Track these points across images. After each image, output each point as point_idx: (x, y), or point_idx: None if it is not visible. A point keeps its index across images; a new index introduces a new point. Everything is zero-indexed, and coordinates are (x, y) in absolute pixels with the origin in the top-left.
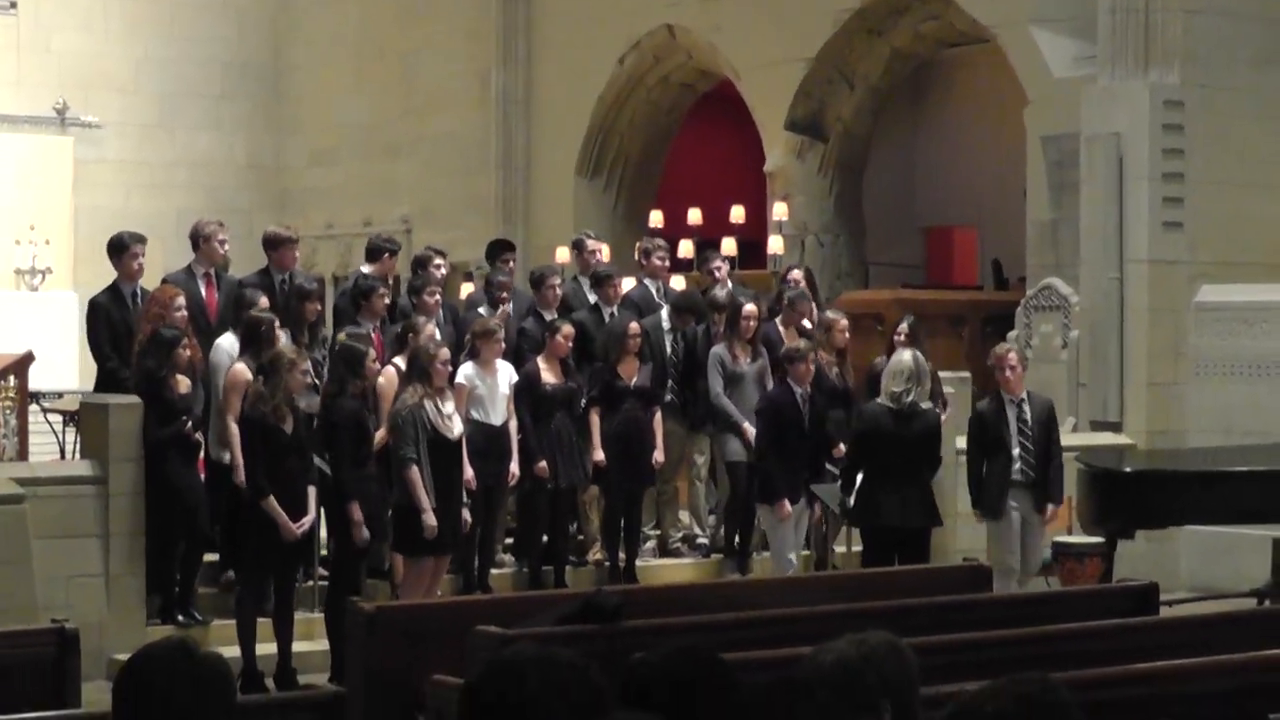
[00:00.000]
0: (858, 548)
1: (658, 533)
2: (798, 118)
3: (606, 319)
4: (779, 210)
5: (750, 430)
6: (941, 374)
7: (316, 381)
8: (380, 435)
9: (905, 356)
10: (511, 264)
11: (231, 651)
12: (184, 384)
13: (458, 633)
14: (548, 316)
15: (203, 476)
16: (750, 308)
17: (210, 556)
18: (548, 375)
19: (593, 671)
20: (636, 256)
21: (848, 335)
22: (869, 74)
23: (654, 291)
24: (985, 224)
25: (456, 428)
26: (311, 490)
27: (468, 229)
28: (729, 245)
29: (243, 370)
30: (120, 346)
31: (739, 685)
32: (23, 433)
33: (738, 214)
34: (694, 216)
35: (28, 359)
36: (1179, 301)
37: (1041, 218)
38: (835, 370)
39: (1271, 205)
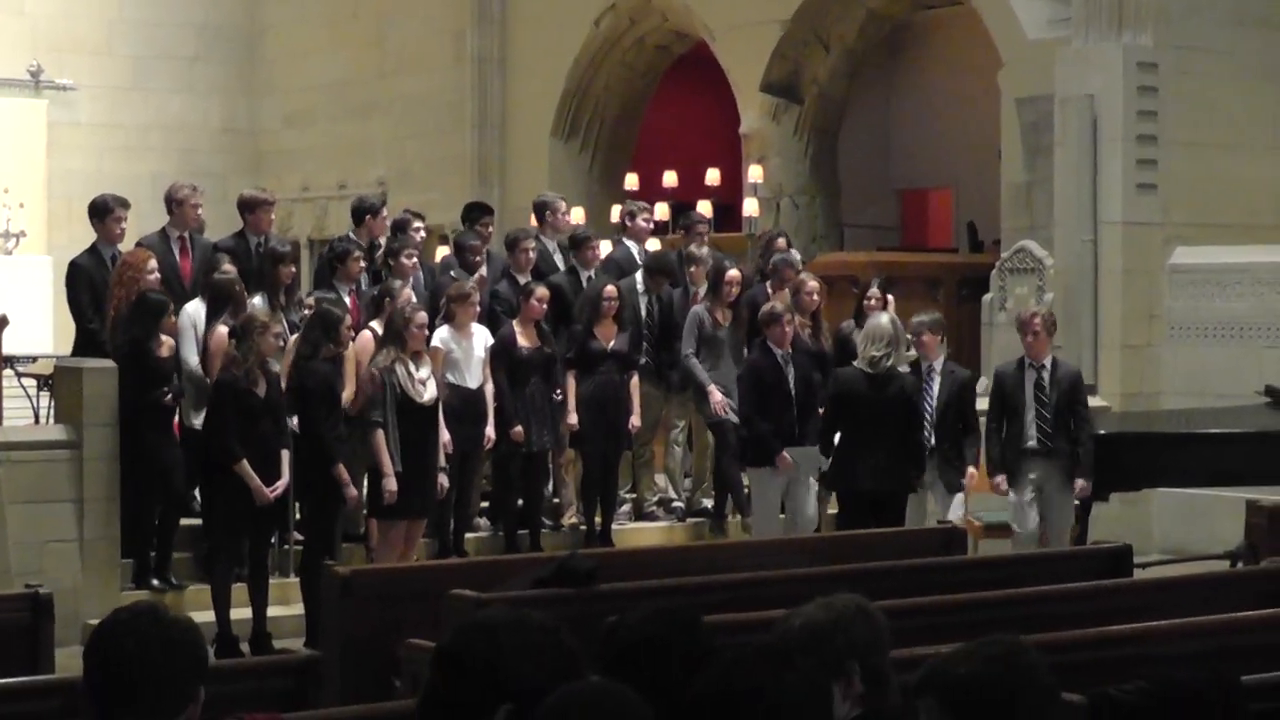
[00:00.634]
0: (833, 510)
1: (633, 496)
2: (773, 80)
3: (584, 282)
4: (754, 173)
5: (716, 393)
6: None
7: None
8: (346, 396)
9: (884, 320)
10: (490, 228)
11: (207, 616)
12: (167, 346)
13: (433, 596)
14: (521, 280)
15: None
16: (734, 272)
17: (188, 521)
18: (523, 339)
19: (564, 634)
20: (619, 219)
21: (816, 298)
22: (844, 36)
23: (635, 254)
24: (960, 186)
25: (429, 392)
26: (285, 454)
27: (443, 191)
28: (704, 208)
29: (225, 334)
30: (101, 307)
31: (716, 647)
32: None
33: (713, 177)
34: (669, 179)
35: (1, 323)
36: (1153, 264)
37: (1016, 180)
38: (808, 332)
39: (1245, 167)
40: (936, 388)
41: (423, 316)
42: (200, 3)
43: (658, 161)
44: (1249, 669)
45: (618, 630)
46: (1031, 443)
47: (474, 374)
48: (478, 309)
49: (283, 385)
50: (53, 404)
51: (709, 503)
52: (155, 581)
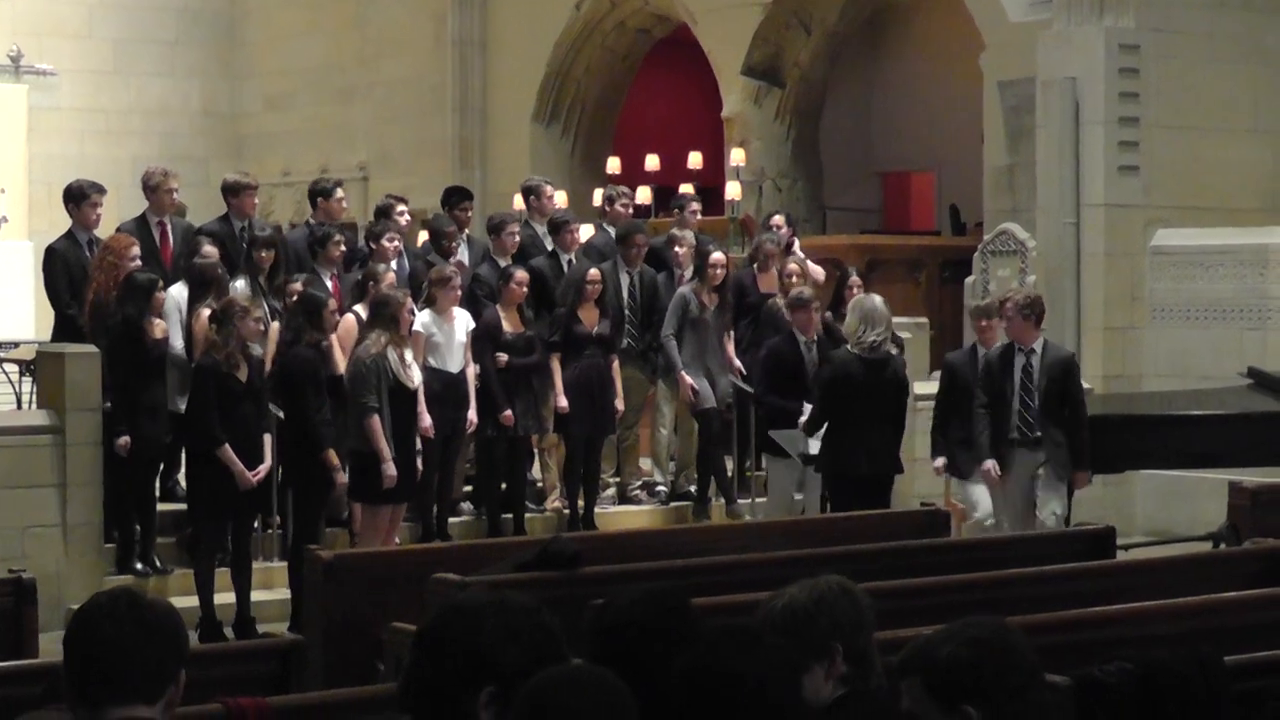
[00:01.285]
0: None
1: (618, 480)
2: (755, 63)
3: (565, 266)
4: (736, 156)
5: (686, 378)
6: (898, 319)
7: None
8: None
9: (877, 302)
10: (470, 212)
11: (190, 600)
12: (160, 328)
13: (417, 580)
14: (503, 263)
15: None
16: (718, 255)
17: (171, 506)
18: (506, 323)
19: (545, 615)
20: (599, 203)
21: (795, 280)
22: (826, 19)
23: (613, 237)
24: (942, 169)
25: (416, 377)
26: (268, 438)
27: (424, 175)
28: (690, 192)
29: (207, 318)
30: (79, 293)
31: (704, 628)
32: None
33: (695, 160)
34: (651, 163)
35: None
36: (1135, 246)
37: (998, 163)
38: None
39: (1227, 149)
40: (1037, 369)
41: (411, 302)
42: None
43: (639, 145)
44: (1232, 650)
45: (606, 613)
46: (1013, 432)
47: (455, 358)
48: (458, 293)
49: (267, 370)
50: (35, 389)
51: (693, 487)
52: (139, 566)
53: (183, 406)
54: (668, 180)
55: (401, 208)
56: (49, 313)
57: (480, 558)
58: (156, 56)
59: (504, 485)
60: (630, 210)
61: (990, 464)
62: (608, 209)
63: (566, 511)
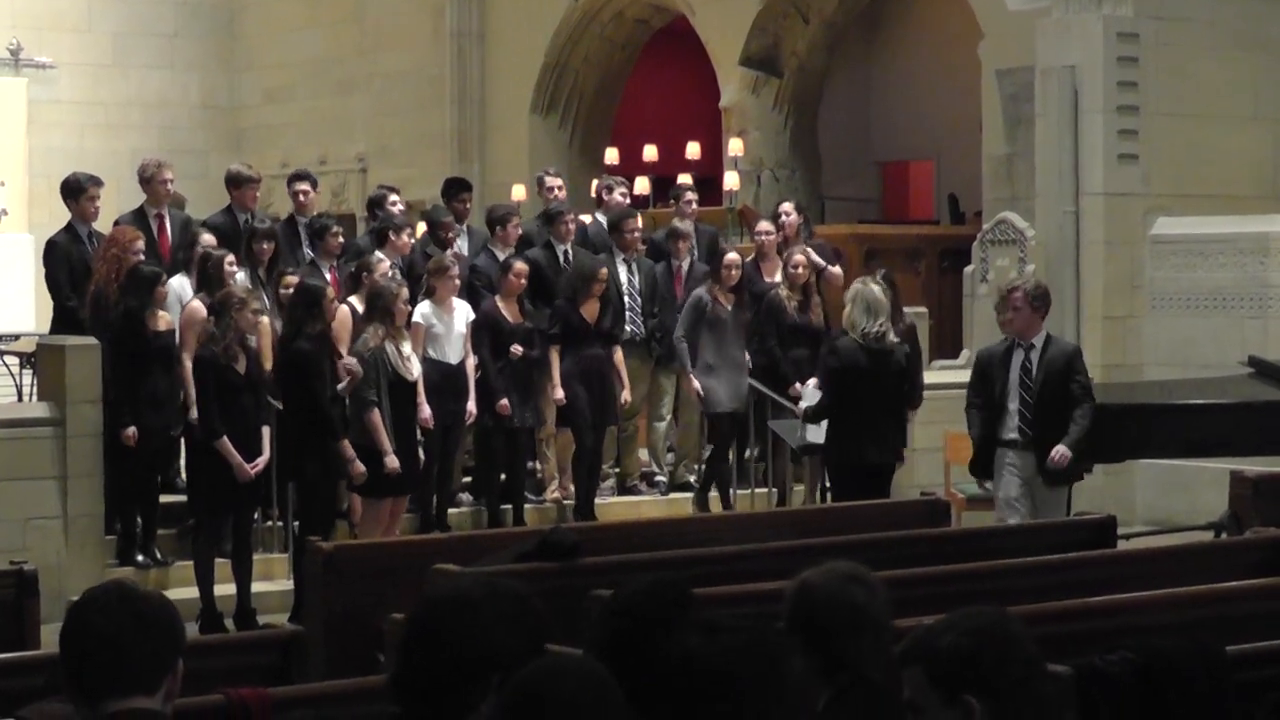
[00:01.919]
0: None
1: (617, 470)
2: (752, 53)
3: (560, 256)
4: (734, 146)
5: (694, 380)
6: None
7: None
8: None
9: (876, 292)
10: (469, 203)
11: (191, 592)
12: (164, 320)
13: (417, 571)
14: (501, 255)
15: None
16: (733, 255)
17: (172, 498)
18: (506, 314)
19: (534, 600)
20: (595, 194)
21: (803, 271)
22: (823, 8)
23: (607, 226)
24: (941, 158)
25: (415, 369)
26: (266, 430)
27: (422, 166)
28: (688, 181)
29: (198, 308)
30: (79, 285)
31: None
32: None
33: (693, 150)
34: (649, 153)
35: None
36: (1135, 234)
37: (997, 152)
38: (795, 305)
39: (1226, 137)
40: (1037, 366)
41: (406, 293)
42: None
43: (637, 135)
44: (1233, 639)
45: (610, 603)
46: (1012, 433)
47: (455, 349)
48: (458, 283)
49: (268, 364)
50: (35, 382)
51: (693, 478)
52: (140, 557)
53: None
54: (666, 170)
55: (394, 198)
56: (49, 305)
57: (480, 548)
58: (155, 50)
59: (503, 476)
60: (627, 200)
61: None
62: (604, 198)
63: (566, 502)
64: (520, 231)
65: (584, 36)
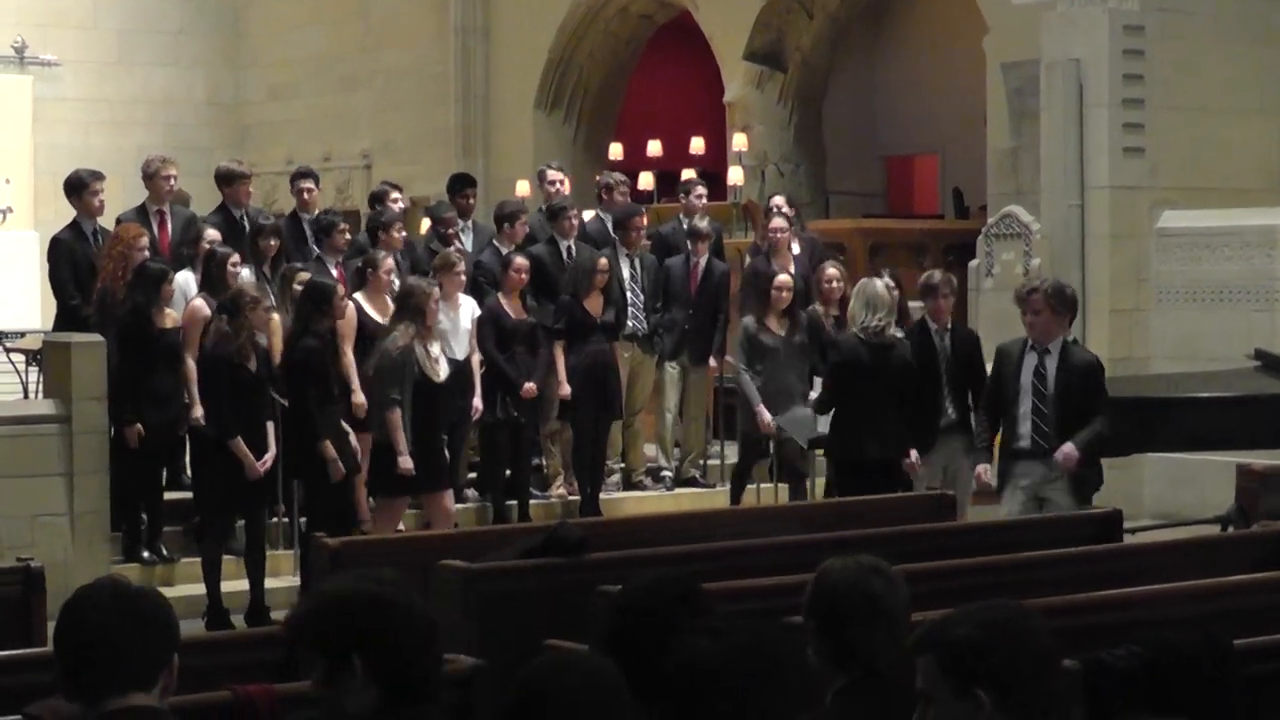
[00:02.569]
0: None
1: (623, 466)
2: (756, 48)
3: (563, 251)
4: (739, 141)
5: (765, 413)
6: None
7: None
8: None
9: (878, 287)
10: (473, 200)
11: (198, 589)
12: (170, 317)
13: (422, 567)
14: (505, 251)
15: None
16: (784, 278)
17: (178, 495)
18: (509, 310)
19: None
20: (597, 190)
21: (834, 286)
22: (827, 3)
23: (609, 225)
24: (946, 152)
25: (443, 370)
26: (270, 426)
27: (427, 163)
28: (692, 176)
29: (200, 307)
30: (83, 283)
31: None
32: None
33: (698, 145)
34: (654, 148)
35: None
36: (1141, 228)
37: (1002, 145)
38: (831, 320)
39: (1232, 130)
40: (1052, 372)
41: (438, 293)
42: None
43: (642, 131)
44: (1241, 632)
45: (617, 599)
46: (1023, 442)
47: (461, 345)
48: (463, 279)
49: (277, 359)
50: (41, 379)
51: (697, 473)
52: (146, 554)
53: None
54: (671, 166)
55: (395, 194)
56: (54, 302)
57: (485, 544)
58: (160, 47)
59: (508, 471)
60: (628, 198)
61: (983, 468)
62: (604, 196)
63: (572, 497)
64: (527, 230)
65: (588, 32)
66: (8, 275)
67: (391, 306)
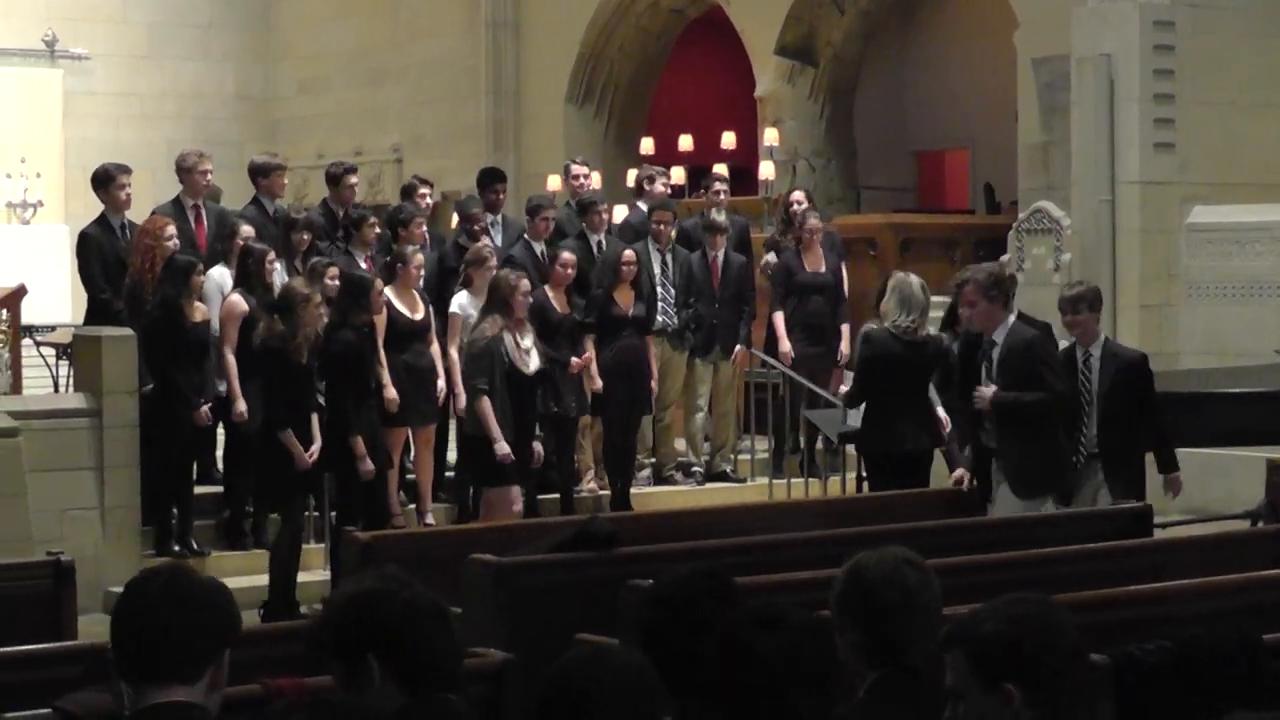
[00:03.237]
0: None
1: (653, 460)
2: (787, 43)
3: (593, 246)
4: (770, 136)
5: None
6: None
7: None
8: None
9: (914, 286)
10: (503, 194)
11: (233, 581)
12: (200, 311)
13: (454, 561)
14: (537, 246)
15: None
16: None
17: (209, 489)
18: (555, 304)
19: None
20: (634, 184)
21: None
22: None
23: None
24: (976, 147)
25: (534, 362)
26: (314, 418)
27: (458, 157)
28: (721, 171)
29: (238, 302)
30: (113, 277)
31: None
32: (16, 366)
33: (729, 140)
34: (685, 143)
35: (20, 292)
36: (1171, 223)
37: (1032, 140)
38: None
39: (1263, 125)
40: (1095, 376)
41: (526, 284)
42: None
43: (673, 125)
44: (1270, 627)
45: (650, 593)
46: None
47: None
48: (493, 273)
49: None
50: (72, 373)
51: (728, 467)
52: (177, 548)
53: (222, 389)
54: (701, 160)
55: (424, 189)
56: (85, 297)
57: (517, 538)
58: (190, 41)
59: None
60: (668, 190)
61: (960, 472)
62: (645, 188)
63: (603, 492)
64: (553, 224)
65: (619, 26)
66: (38, 269)
67: (420, 302)
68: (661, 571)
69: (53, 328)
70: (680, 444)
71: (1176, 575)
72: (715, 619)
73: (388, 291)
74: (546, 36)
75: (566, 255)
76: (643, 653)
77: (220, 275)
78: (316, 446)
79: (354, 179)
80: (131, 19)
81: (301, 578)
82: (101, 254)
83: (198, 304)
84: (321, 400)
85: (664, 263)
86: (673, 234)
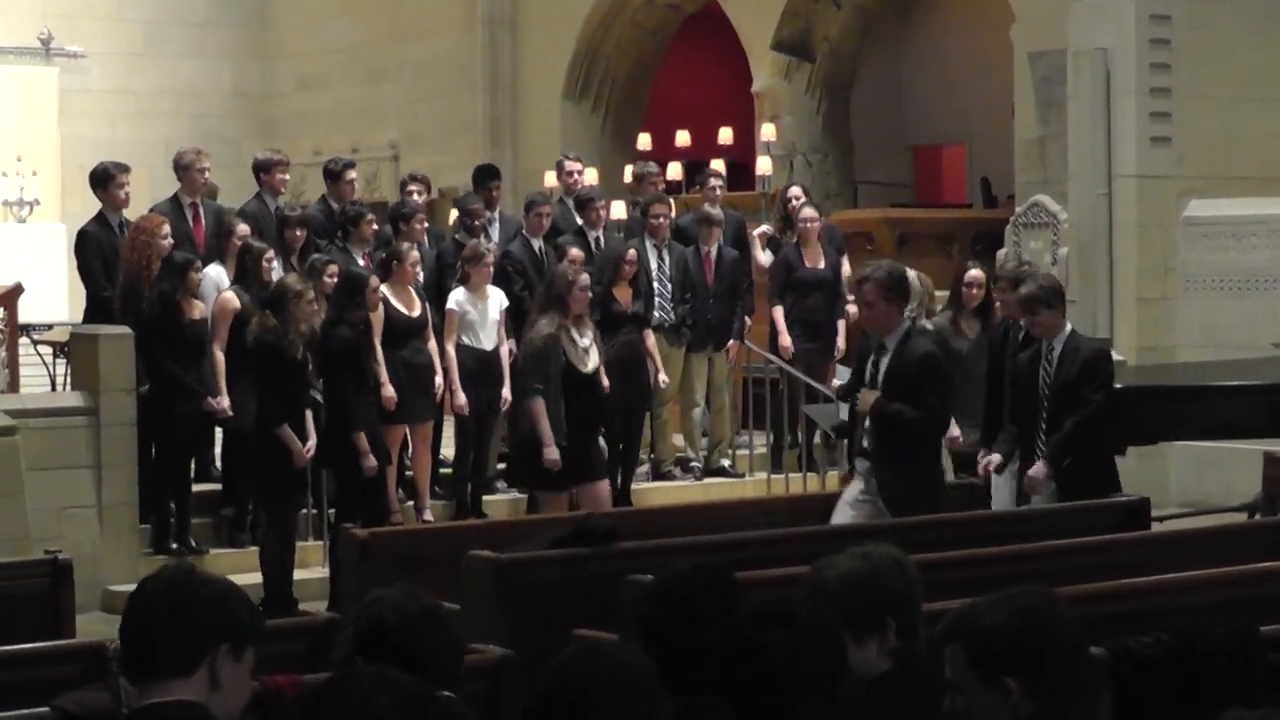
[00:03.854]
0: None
1: (652, 456)
2: (784, 38)
3: (591, 243)
4: (767, 131)
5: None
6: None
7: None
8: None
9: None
10: (499, 191)
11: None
12: (198, 309)
13: (452, 558)
14: (535, 243)
15: None
16: (976, 273)
17: (207, 486)
18: (621, 299)
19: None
20: (629, 180)
21: (976, 291)
22: None
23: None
24: (974, 142)
25: (592, 360)
26: (309, 415)
27: (455, 154)
28: (717, 167)
29: (231, 299)
30: (112, 275)
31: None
32: (13, 365)
33: (726, 136)
34: (682, 139)
35: (17, 291)
36: (1167, 217)
37: (1029, 135)
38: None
39: (1259, 119)
40: (1053, 369)
41: (585, 279)
42: None
43: (670, 121)
44: (1267, 620)
45: (650, 588)
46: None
47: (489, 335)
48: (491, 270)
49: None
50: (69, 371)
51: (726, 462)
52: (174, 546)
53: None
54: (699, 156)
55: (413, 186)
56: (82, 295)
57: (515, 535)
58: (187, 38)
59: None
60: (662, 188)
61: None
62: (639, 186)
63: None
64: (550, 220)
65: (616, 22)
66: (35, 268)
67: (417, 299)
68: (660, 567)
69: (50, 326)
70: (678, 439)
71: (1174, 568)
72: (715, 615)
73: (384, 289)
74: (543, 33)
75: (575, 251)
76: (642, 648)
77: (217, 273)
78: (312, 443)
79: (353, 174)
80: (127, 16)
81: (300, 575)
82: (101, 251)
83: (195, 301)
84: (318, 397)
85: (660, 258)
86: (667, 229)
